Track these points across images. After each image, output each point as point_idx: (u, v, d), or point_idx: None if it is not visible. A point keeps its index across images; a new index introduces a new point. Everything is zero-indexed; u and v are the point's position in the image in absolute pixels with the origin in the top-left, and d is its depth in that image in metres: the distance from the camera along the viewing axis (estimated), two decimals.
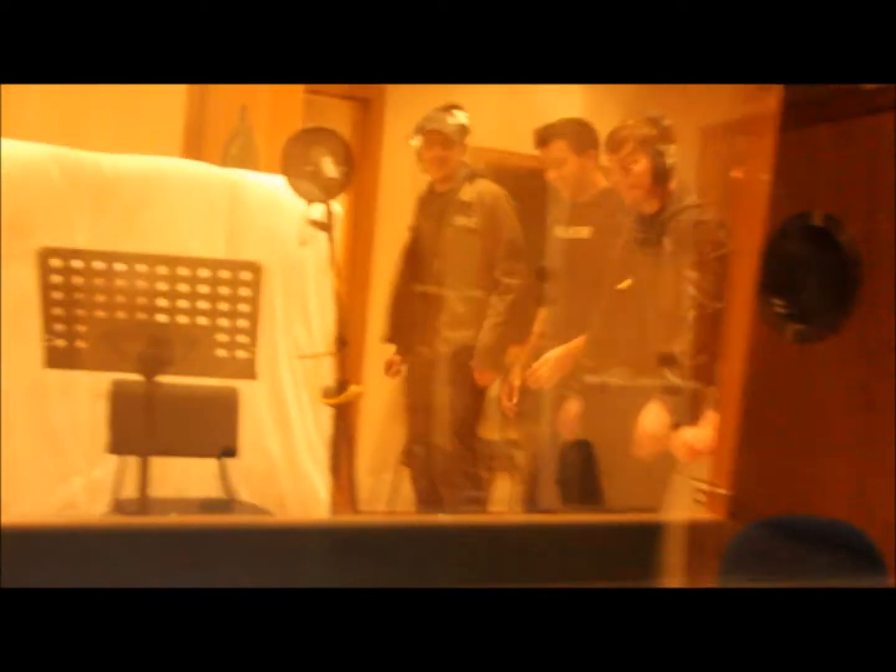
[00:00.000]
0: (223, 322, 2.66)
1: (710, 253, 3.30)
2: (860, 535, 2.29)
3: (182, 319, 2.64)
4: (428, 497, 4.40)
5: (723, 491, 3.19)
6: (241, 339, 2.69)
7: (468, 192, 4.23)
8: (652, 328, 3.51)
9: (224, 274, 2.62)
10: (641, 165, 3.39)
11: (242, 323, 2.67)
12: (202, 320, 2.65)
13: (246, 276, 2.63)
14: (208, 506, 3.64)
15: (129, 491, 3.43)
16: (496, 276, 4.17)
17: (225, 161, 4.77)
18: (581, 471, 3.71)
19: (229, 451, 3.75)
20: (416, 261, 4.37)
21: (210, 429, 3.71)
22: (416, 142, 4.21)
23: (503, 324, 4.17)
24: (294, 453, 4.19)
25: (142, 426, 2.76)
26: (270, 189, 4.01)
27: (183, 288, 2.60)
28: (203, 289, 2.61)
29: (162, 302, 2.61)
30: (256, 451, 4.08)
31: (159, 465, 3.79)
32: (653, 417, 3.29)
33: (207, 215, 4.00)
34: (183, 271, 2.60)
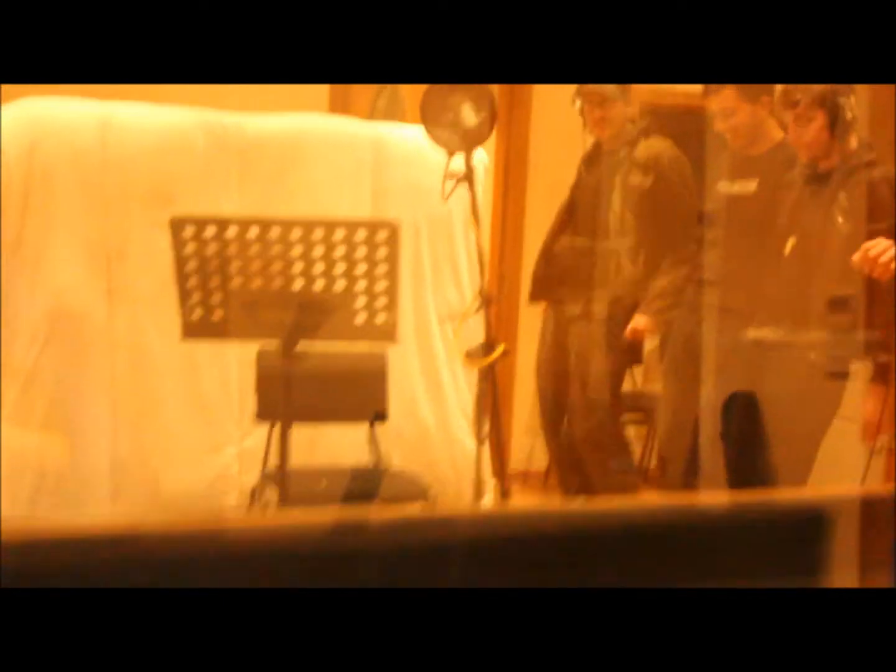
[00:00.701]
0: (361, 285, 2.53)
1: (882, 221, 3.04)
2: None
3: (319, 284, 2.52)
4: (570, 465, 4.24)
5: None
6: (381, 301, 2.56)
7: (643, 151, 3.96)
8: (820, 289, 3.27)
9: (360, 235, 2.49)
10: (819, 121, 3.13)
11: (381, 285, 2.54)
12: (340, 284, 2.53)
13: (383, 235, 2.50)
14: (359, 474, 3.55)
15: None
16: (671, 240, 3.92)
17: (372, 115, 4.67)
18: (746, 429, 3.50)
19: (380, 416, 3.67)
20: (578, 218, 4.15)
21: (359, 393, 3.62)
22: (578, 104, 3.98)
23: (675, 289, 3.93)
24: (446, 418, 4.08)
25: (287, 393, 2.66)
26: (416, 143, 3.88)
27: (319, 251, 2.49)
28: (340, 251, 2.49)
29: (298, 266, 2.50)
30: (408, 416, 3.99)
31: (309, 433, 3.77)
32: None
33: (353, 173, 3.90)
34: (318, 234, 2.48)
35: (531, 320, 5.19)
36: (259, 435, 3.57)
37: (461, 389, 4.10)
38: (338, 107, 4.60)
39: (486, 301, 2.68)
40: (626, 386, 4.46)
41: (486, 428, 2.71)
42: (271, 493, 3.31)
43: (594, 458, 4.03)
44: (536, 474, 5.26)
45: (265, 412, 3.47)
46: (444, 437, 4.07)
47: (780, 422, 3.27)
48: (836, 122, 3.15)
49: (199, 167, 3.67)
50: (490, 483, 3.65)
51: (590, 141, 4.12)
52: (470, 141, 2.74)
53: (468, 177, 2.74)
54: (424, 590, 1.42)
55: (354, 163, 3.88)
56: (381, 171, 3.92)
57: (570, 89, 4.03)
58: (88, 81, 1.79)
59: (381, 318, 2.58)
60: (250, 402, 3.66)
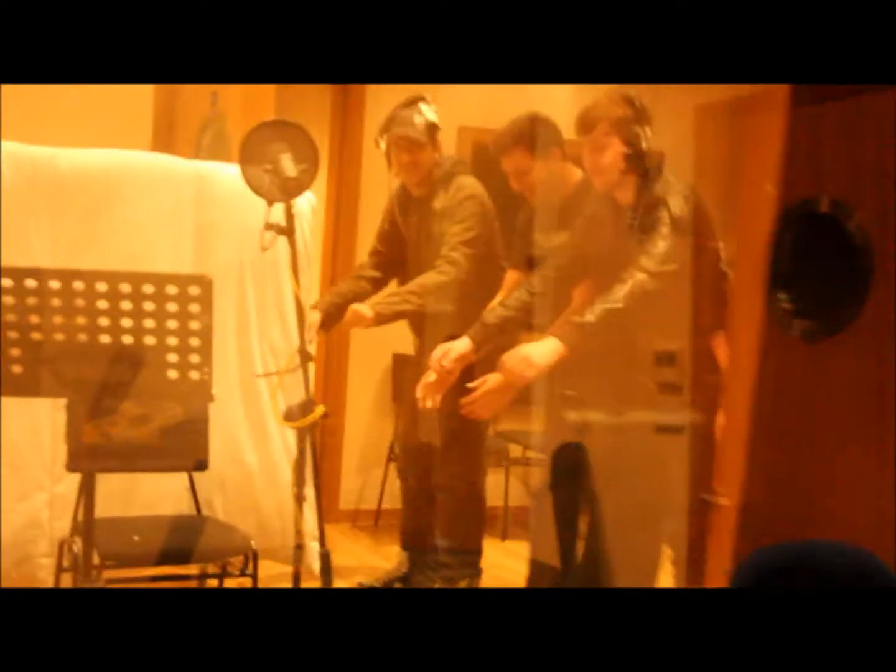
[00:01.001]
0: (172, 341, 2.42)
1: (710, 236, 3.06)
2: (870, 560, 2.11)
3: (127, 339, 2.39)
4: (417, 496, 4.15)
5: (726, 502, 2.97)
6: (194, 358, 2.44)
7: (442, 199, 3.87)
8: (641, 325, 3.27)
9: (171, 289, 2.38)
10: (615, 148, 3.09)
11: (194, 341, 2.43)
12: (149, 339, 2.41)
13: (195, 290, 2.38)
14: (179, 525, 3.41)
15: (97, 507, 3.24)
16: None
17: (198, 152, 4.54)
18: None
19: (201, 465, 3.53)
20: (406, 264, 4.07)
21: (179, 441, 3.48)
22: (384, 145, 3.86)
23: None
24: (272, 462, 3.99)
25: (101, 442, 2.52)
26: (240, 179, 3.78)
27: (126, 305, 2.36)
28: (149, 305, 2.37)
29: (103, 321, 2.37)
30: (231, 462, 3.88)
31: (127, 480, 3.62)
32: None
33: (174, 212, 3.78)
34: (125, 287, 2.35)
35: (362, 355, 5.15)
36: (71, 481, 3.40)
37: (287, 433, 4.01)
38: (161, 143, 4.46)
39: (305, 359, 2.59)
40: None
41: (305, 489, 2.64)
42: (80, 548, 3.15)
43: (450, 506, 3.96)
44: (367, 513, 5.20)
45: (76, 463, 3.29)
46: (268, 482, 3.97)
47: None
48: (630, 150, 3.11)
49: (6, 202, 3.48)
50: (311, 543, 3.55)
51: (395, 184, 4.05)
52: (289, 191, 2.66)
53: (287, 229, 2.65)
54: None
55: (176, 201, 3.76)
56: (205, 210, 3.81)
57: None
58: (89, 81, 1.85)
59: (194, 375, 2.47)
60: (61, 449, 3.48)
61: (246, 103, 4.30)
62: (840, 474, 2.59)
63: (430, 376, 3.24)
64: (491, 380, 3.35)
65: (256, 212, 3.11)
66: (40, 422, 3.58)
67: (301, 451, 2.62)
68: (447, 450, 3.90)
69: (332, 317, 3.81)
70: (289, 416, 2.55)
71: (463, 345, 3.33)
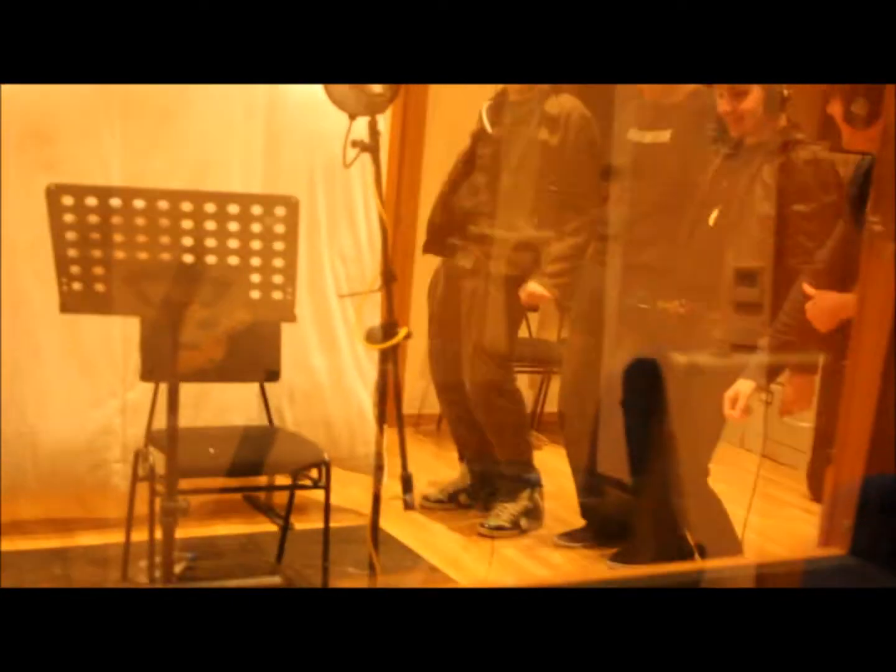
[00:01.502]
0: (256, 261, 2.38)
1: (823, 197, 2.98)
2: None
3: (211, 259, 2.36)
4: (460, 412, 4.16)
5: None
6: (277, 279, 2.41)
7: (552, 107, 3.78)
8: (729, 256, 3.21)
9: (256, 210, 2.33)
10: (755, 94, 3.06)
11: (278, 262, 2.39)
12: (233, 260, 2.37)
13: (280, 211, 2.34)
14: (250, 436, 3.42)
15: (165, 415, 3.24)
16: (574, 201, 3.81)
17: None
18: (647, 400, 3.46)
19: (272, 375, 3.53)
20: (478, 168, 3.98)
21: (251, 351, 3.46)
22: None
23: (573, 254, 3.82)
24: (340, 372, 3.97)
25: (174, 358, 2.50)
26: (312, 86, 3.69)
27: (211, 225, 2.32)
28: (233, 226, 2.33)
29: (188, 241, 2.33)
30: (301, 370, 3.86)
31: (196, 389, 3.61)
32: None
33: (244, 117, 3.70)
34: (210, 207, 2.31)
35: (427, 266, 5.08)
36: (144, 388, 3.41)
37: (356, 343, 3.98)
38: None
39: (388, 280, 2.54)
40: (520, 333, 4.38)
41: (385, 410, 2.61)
42: (156, 458, 3.17)
43: (489, 418, 3.95)
44: (430, 418, 5.20)
45: (150, 372, 3.29)
46: (337, 391, 3.96)
47: (682, 397, 3.23)
48: (770, 97, 3.09)
49: (78, 107, 3.42)
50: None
51: (495, 89, 3.96)
52: (373, 107, 2.57)
53: (372, 146, 2.58)
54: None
55: (246, 106, 3.67)
56: (275, 115, 3.73)
57: None
58: (88, 81, 1.80)
59: (277, 295, 2.44)
60: (134, 356, 3.48)
61: None
62: None
63: None
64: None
65: (328, 118, 3.04)
66: (112, 329, 3.57)
67: (382, 373, 2.58)
68: (479, 365, 3.90)
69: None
70: (371, 338, 2.51)
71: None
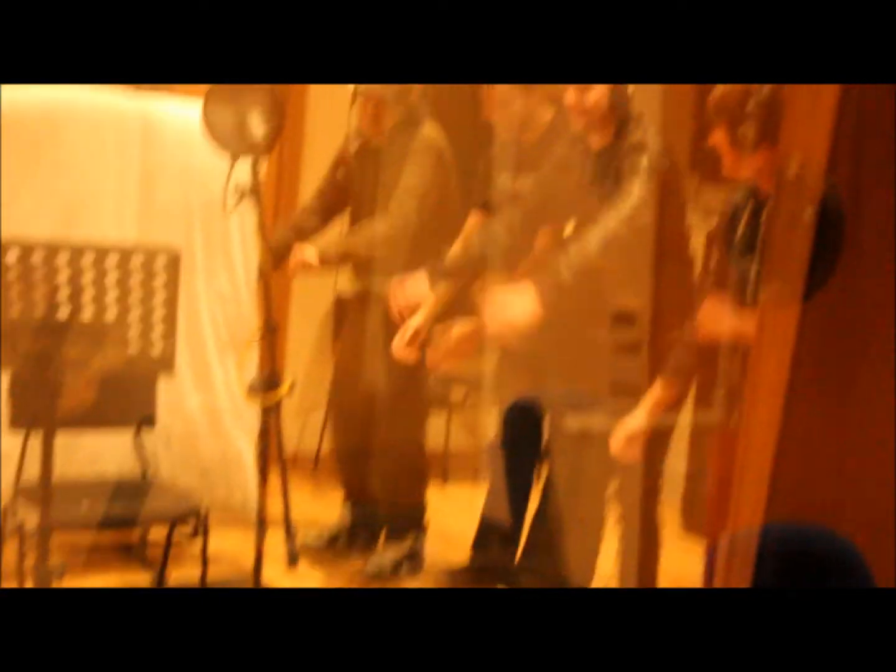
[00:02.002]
0: (135, 314, 2.29)
1: (673, 203, 2.99)
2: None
3: (87, 314, 2.26)
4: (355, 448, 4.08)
5: None
6: (156, 330, 2.32)
7: (401, 148, 3.70)
8: (601, 277, 3.19)
9: (136, 260, 2.24)
10: (598, 90, 3.02)
11: (158, 314, 2.30)
12: (111, 314, 2.27)
13: (161, 262, 2.26)
14: (124, 488, 3.29)
15: (33, 468, 3.10)
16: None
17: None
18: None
19: (148, 421, 3.41)
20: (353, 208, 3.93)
21: (126, 395, 3.34)
22: (350, 99, 3.69)
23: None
24: (217, 414, 3.87)
25: (45, 400, 2.39)
26: (190, 120, 3.59)
27: (88, 278, 2.22)
28: (111, 278, 2.24)
29: (63, 293, 2.23)
30: (176, 413, 3.75)
31: (67, 435, 3.46)
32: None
33: (119, 151, 3.59)
34: (88, 258, 2.21)
35: (304, 296, 5.02)
36: (11, 437, 3.26)
37: (230, 378, 3.89)
38: None
39: (269, 330, 2.47)
40: None
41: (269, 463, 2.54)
42: (25, 512, 3.03)
43: (388, 445, 3.87)
44: (306, 456, 5.12)
45: (18, 419, 3.15)
46: (214, 435, 3.86)
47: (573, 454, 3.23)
48: (615, 93, 3.05)
49: None
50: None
51: (356, 144, 3.88)
52: (256, 151, 2.51)
53: (254, 190, 2.51)
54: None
55: (119, 139, 3.57)
56: (151, 150, 3.63)
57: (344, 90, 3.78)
58: (88, 81, 1.85)
59: (157, 348, 2.35)
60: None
61: None
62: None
63: (406, 332, 3.20)
64: (457, 329, 3.27)
65: (205, 155, 2.96)
66: None
67: (264, 425, 2.51)
68: (389, 402, 3.81)
69: (281, 254, 3.68)
70: (253, 392, 2.44)
71: (421, 282, 3.26)
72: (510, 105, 3.46)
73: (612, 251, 2.93)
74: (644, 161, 2.98)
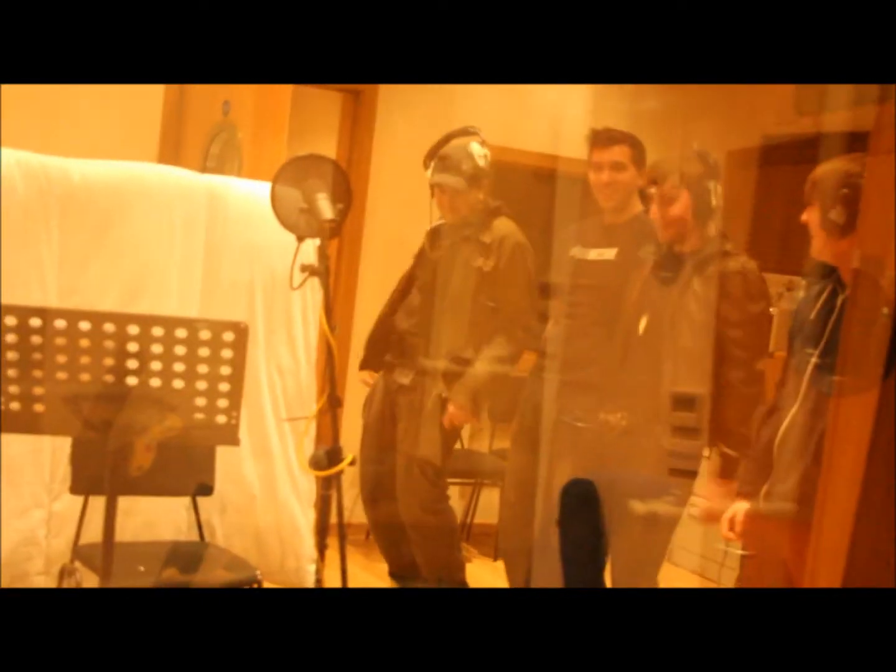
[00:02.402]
0: (201, 385, 2.36)
1: (752, 306, 3.04)
2: None
3: (155, 382, 2.33)
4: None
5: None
6: (222, 403, 2.38)
7: (488, 234, 3.90)
8: (667, 372, 3.25)
9: (204, 334, 2.31)
10: (683, 201, 3.11)
11: (224, 387, 2.37)
12: (178, 383, 2.34)
13: (229, 336, 2.32)
14: (179, 551, 3.34)
15: (92, 528, 3.17)
16: (506, 318, 3.88)
17: (205, 161, 4.45)
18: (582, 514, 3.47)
19: (205, 490, 3.47)
20: (418, 290, 4.06)
21: (184, 463, 3.41)
22: (430, 174, 3.88)
23: (499, 372, 3.89)
24: (273, 482, 3.91)
25: (107, 469, 2.46)
26: (253, 197, 3.70)
27: (157, 349, 2.30)
28: (180, 350, 2.31)
29: (132, 364, 2.30)
30: (233, 481, 3.80)
31: (123, 499, 3.53)
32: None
33: (185, 227, 3.69)
34: (157, 331, 2.29)
35: (355, 387, 5.10)
36: (71, 498, 3.33)
37: (288, 448, 3.95)
38: (168, 151, 4.36)
39: (334, 405, 2.53)
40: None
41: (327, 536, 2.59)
42: (83, 574, 3.09)
43: (419, 535, 3.93)
44: (358, 528, 5.14)
45: (80, 485, 3.23)
46: (270, 503, 3.90)
47: (623, 513, 3.24)
48: (699, 206, 3.14)
49: (16, 212, 3.38)
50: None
51: (437, 214, 4.03)
52: (326, 233, 2.59)
53: (321, 270, 2.59)
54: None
55: (187, 216, 3.66)
56: (216, 227, 3.72)
57: (413, 138, 3.93)
58: (88, 82, 1.85)
59: (221, 420, 2.41)
60: (61, 466, 3.42)
61: (258, 112, 4.22)
62: None
63: None
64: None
65: (267, 231, 3.06)
66: (40, 438, 3.49)
67: (325, 499, 2.56)
68: (412, 481, 3.90)
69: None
70: (316, 465, 2.49)
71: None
72: (622, 173, 3.53)
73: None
74: (732, 265, 3.08)
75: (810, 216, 2.60)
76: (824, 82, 1.89)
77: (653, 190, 3.23)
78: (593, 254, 3.58)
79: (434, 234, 4.02)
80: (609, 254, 3.54)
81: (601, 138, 3.56)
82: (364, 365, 4.13)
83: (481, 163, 3.84)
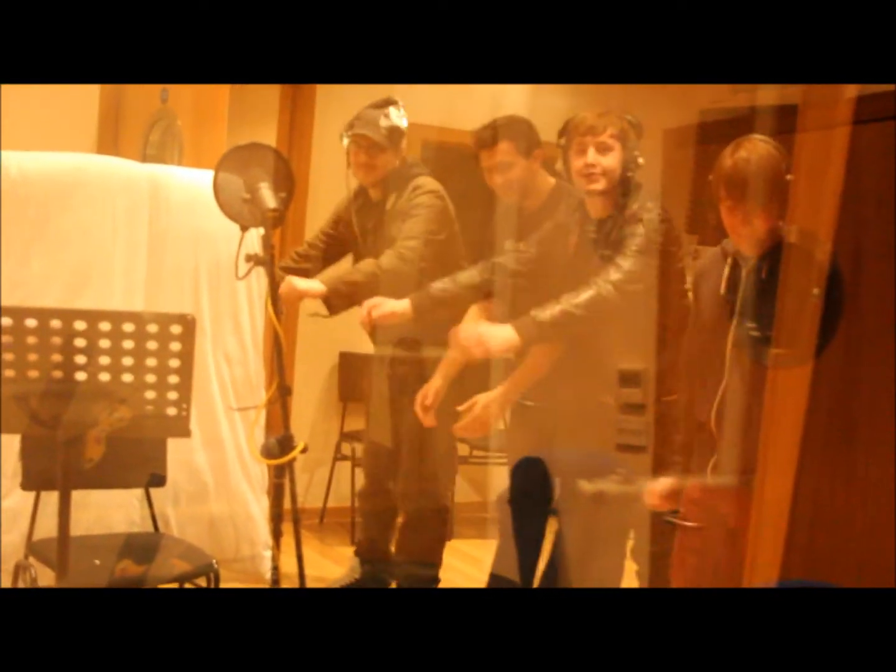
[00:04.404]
0: (151, 378, 2.36)
1: (679, 258, 3.08)
2: None
3: (104, 377, 2.33)
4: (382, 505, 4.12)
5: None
6: (172, 395, 2.39)
7: (396, 199, 3.82)
8: (606, 343, 3.28)
9: (152, 328, 2.31)
10: (616, 155, 3.13)
11: (173, 379, 2.37)
12: (127, 377, 2.34)
13: (176, 329, 2.33)
14: (134, 543, 3.34)
15: (44, 524, 3.16)
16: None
17: (145, 149, 4.42)
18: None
19: (158, 480, 3.47)
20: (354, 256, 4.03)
21: (136, 455, 3.40)
22: (346, 142, 3.82)
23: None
24: (225, 470, 3.92)
25: (59, 464, 2.46)
26: (195, 185, 3.69)
27: (105, 343, 2.29)
28: (128, 344, 2.31)
29: (81, 359, 2.30)
30: (185, 471, 3.81)
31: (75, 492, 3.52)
32: None
33: (128, 217, 3.67)
34: (105, 326, 2.28)
35: (308, 350, 5.09)
36: (21, 495, 3.32)
37: (238, 437, 3.96)
38: (107, 140, 4.32)
39: (284, 393, 2.54)
40: None
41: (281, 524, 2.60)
42: (37, 568, 3.08)
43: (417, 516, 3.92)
44: (312, 512, 5.16)
45: (31, 481, 3.21)
46: (222, 491, 3.91)
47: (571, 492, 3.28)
48: (628, 161, 3.15)
49: None
50: None
51: (353, 185, 3.98)
52: (270, 222, 2.59)
53: (266, 260, 2.59)
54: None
55: (129, 206, 3.65)
56: (159, 216, 3.71)
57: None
58: (88, 81, 1.89)
59: (172, 412, 2.41)
60: (10, 462, 3.41)
61: (197, 99, 4.19)
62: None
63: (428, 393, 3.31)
64: (481, 400, 3.35)
65: (211, 219, 3.05)
66: None
67: (278, 487, 2.57)
68: (418, 459, 3.87)
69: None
70: (268, 453, 2.50)
71: (400, 305, 3.34)
72: (510, 170, 3.55)
73: (600, 313, 3.04)
74: (640, 233, 3.08)
75: (733, 211, 2.61)
76: (825, 82, 1.91)
77: (559, 165, 3.24)
78: (522, 245, 3.57)
79: (356, 208, 3.95)
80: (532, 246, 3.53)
81: (480, 139, 3.57)
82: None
83: (397, 122, 3.77)
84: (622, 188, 3.15)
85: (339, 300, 3.56)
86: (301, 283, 3.59)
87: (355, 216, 3.94)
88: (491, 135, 3.55)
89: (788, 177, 2.45)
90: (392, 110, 3.73)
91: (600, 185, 3.16)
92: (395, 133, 3.75)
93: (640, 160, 3.18)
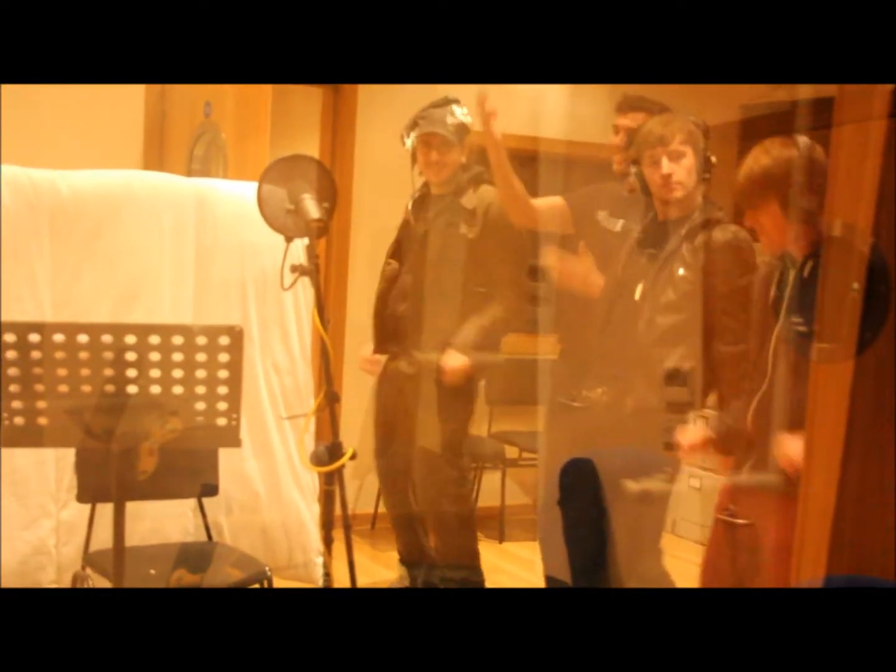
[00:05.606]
0: (200, 390, 2.40)
1: (742, 279, 3.06)
2: None
3: (155, 389, 2.37)
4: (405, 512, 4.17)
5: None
6: (221, 406, 2.43)
7: (471, 199, 3.90)
8: (651, 341, 3.27)
9: (200, 340, 2.36)
10: (689, 160, 3.13)
11: (222, 390, 2.41)
12: (177, 389, 2.39)
13: (224, 340, 2.37)
14: (188, 552, 3.39)
15: (100, 535, 3.21)
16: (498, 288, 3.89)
17: (190, 163, 4.48)
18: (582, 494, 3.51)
19: (211, 490, 3.51)
20: (406, 263, 4.07)
21: (188, 466, 3.45)
22: (410, 143, 3.88)
23: (488, 327, 3.90)
24: (276, 479, 3.96)
25: (113, 476, 2.51)
26: (241, 198, 3.73)
27: (155, 356, 2.34)
28: (177, 356, 2.35)
29: (132, 372, 2.34)
30: (237, 480, 3.84)
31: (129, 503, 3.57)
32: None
33: (174, 232, 3.72)
34: (154, 339, 2.33)
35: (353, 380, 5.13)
36: (78, 507, 3.38)
37: (289, 445, 3.99)
38: (153, 155, 4.38)
39: (331, 401, 2.57)
40: None
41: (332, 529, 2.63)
42: (94, 579, 3.14)
43: (436, 520, 3.96)
44: (364, 518, 5.20)
45: (86, 493, 3.27)
46: (274, 499, 3.94)
47: (616, 492, 3.28)
48: (700, 165, 3.16)
49: (6, 228, 3.41)
50: None
51: (418, 183, 4.04)
52: (314, 232, 2.62)
53: (311, 270, 2.62)
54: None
55: (176, 221, 3.69)
56: (206, 229, 3.75)
57: (395, 130, 3.95)
58: (88, 81, 1.86)
59: (222, 422, 2.46)
60: (66, 475, 3.46)
61: (240, 112, 4.24)
62: None
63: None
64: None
65: (257, 231, 3.09)
66: (44, 449, 3.53)
67: (328, 495, 2.60)
68: (432, 464, 3.92)
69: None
70: (317, 461, 2.53)
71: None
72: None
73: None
74: (724, 235, 3.10)
75: (764, 214, 2.60)
76: (825, 82, 1.92)
77: (634, 169, 3.25)
78: (619, 225, 3.58)
79: (417, 206, 4.03)
80: (618, 225, 3.56)
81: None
82: (378, 349, 4.14)
83: (463, 119, 3.86)
84: (701, 184, 3.19)
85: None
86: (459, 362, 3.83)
87: (412, 212, 4.01)
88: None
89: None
90: (455, 108, 3.82)
91: (679, 192, 3.19)
92: (461, 129, 3.84)
93: (713, 158, 3.20)
